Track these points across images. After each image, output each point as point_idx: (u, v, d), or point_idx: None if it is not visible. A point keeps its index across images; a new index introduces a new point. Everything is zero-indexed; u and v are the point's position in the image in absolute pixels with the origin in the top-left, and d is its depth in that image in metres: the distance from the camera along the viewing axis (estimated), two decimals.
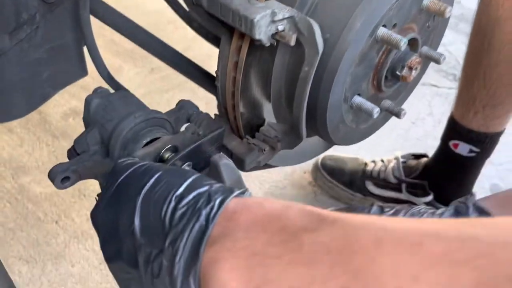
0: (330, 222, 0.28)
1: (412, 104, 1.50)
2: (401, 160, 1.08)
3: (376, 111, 0.61)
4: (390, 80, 0.65)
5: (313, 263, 0.26)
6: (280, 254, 0.27)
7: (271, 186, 1.19)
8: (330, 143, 0.67)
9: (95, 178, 0.60)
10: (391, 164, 1.07)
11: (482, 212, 0.38)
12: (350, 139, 0.70)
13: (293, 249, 0.27)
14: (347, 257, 0.25)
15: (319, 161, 1.15)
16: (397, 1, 0.56)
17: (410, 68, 0.62)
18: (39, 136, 1.24)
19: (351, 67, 0.56)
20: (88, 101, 0.60)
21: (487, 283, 0.20)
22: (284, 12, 0.48)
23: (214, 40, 0.64)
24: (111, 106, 0.59)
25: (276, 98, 0.61)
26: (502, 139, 1.35)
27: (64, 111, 1.31)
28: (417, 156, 1.10)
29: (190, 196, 0.34)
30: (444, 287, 0.21)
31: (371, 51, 0.58)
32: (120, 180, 0.39)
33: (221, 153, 0.57)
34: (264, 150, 0.61)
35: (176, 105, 0.68)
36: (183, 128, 0.66)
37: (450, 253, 0.22)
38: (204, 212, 0.32)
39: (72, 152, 0.61)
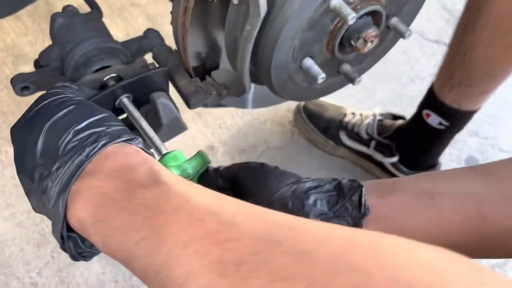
0: (158, 184, 0.34)
1: (418, 61, 1.48)
2: (378, 117, 1.10)
3: (321, 77, 0.63)
4: (347, 48, 0.66)
5: (134, 213, 0.33)
6: (118, 200, 0.34)
7: (252, 119, 1.24)
8: (279, 97, 0.70)
9: None
10: (367, 120, 1.10)
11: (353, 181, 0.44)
12: (301, 97, 0.72)
13: (127, 198, 0.34)
14: (154, 215, 0.32)
15: (302, 103, 1.18)
16: None
17: (365, 41, 0.62)
18: (43, 28, 1.28)
19: (297, 32, 0.57)
20: (53, 19, 0.64)
21: (222, 261, 0.26)
22: None
23: None
24: (73, 28, 0.62)
25: (229, 48, 0.63)
26: (494, 113, 1.34)
27: None
28: (395, 117, 1.11)
29: (85, 133, 0.40)
30: (199, 256, 0.27)
31: (324, 18, 0.59)
32: (40, 105, 0.44)
33: (162, 92, 0.61)
34: (211, 94, 0.65)
35: (144, 32, 0.71)
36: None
37: (216, 233, 0.28)
38: (87, 150, 0.38)
39: (37, 63, 0.66)
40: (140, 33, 0.79)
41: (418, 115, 1.00)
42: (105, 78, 0.58)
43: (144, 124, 0.54)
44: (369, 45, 0.64)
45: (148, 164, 0.36)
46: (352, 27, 0.62)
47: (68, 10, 0.65)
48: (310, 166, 1.18)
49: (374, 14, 0.64)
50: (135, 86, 0.58)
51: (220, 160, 1.15)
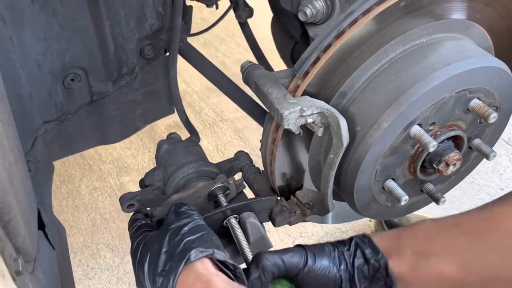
0: None
1: (507, 169, 1.42)
2: None
3: (404, 199, 0.64)
4: (429, 169, 0.67)
5: None
6: None
7: (334, 228, 1.24)
8: (362, 215, 0.72)
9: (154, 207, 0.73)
10: None
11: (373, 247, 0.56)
12: (385, 215, 0.73)
13: None
14: None
15: None
16: (433, 104, 0.59)
17: (448, 164, 0.64)
18: (145, 143, 1.44)
19: (379, 158, 0.61)
20: (159, 145, 0.73)
21: None
22: (313, 109, 0.55)
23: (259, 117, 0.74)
24: (175, 154, 0.71)
25: (313, 170, 0.68)
26: None
27: (169, 123, 1.50)
28: None
29: (166, 268, 0.52)
30: None
31: (405, 144, 0.62)
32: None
33: (251, 212, 0.65)
34: (295, 213, 0.69)
35: (235, 154, 0.78)
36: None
37: None
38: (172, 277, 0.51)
39: (142, 183, 0.75)
40: (227, 145, 0.85)
41: None
42: (213, 187, 0.64)
43: (244, 244, 0.60)
44: (452, 168, 0.65)
45: (203, 283, 0.48)
46: (433, 152, 0.64)
47: (172, 137, 0.75)
48: None
49: (455, 138, 0.65)
50: (243, 208, 0.64)
51: None
